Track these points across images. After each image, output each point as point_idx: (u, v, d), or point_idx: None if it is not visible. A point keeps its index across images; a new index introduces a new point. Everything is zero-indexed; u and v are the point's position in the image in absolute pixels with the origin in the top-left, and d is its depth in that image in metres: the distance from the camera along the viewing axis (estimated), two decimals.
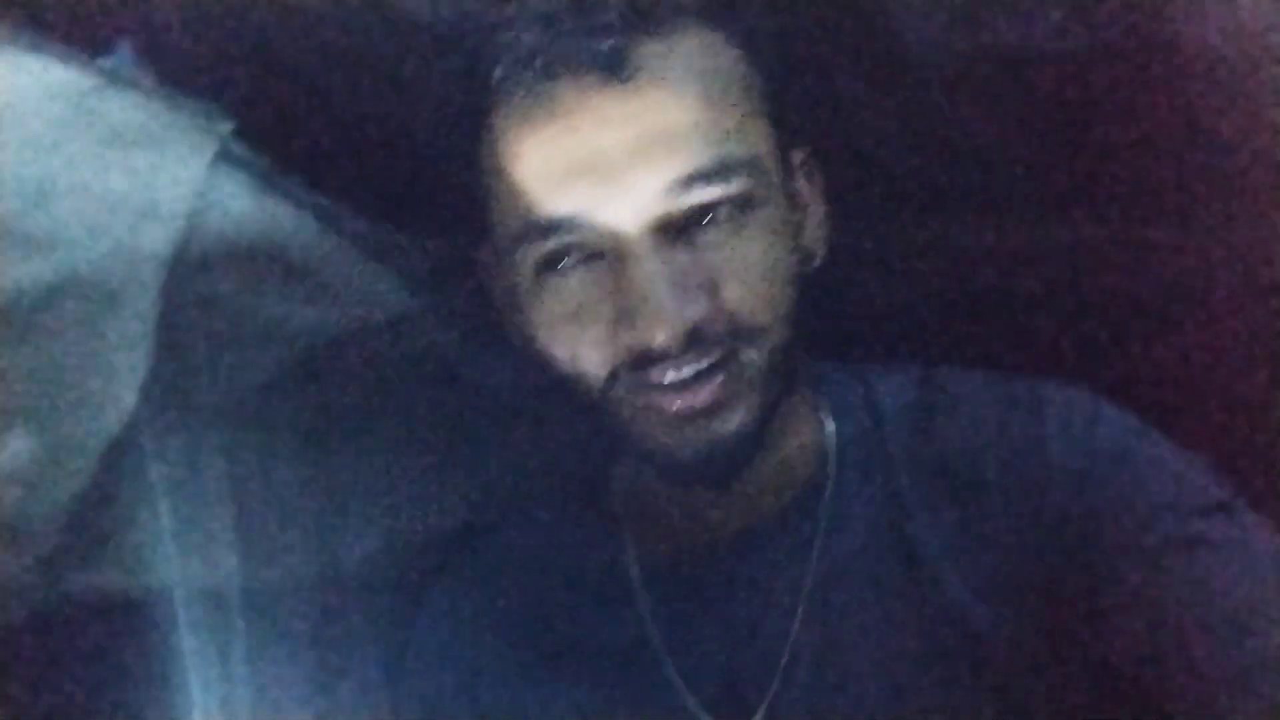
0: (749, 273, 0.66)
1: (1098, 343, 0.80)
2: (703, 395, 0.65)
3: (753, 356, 0.66)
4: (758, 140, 0.68)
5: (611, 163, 0.64)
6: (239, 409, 0.75)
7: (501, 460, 0.80)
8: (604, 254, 0.66)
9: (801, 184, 0.73)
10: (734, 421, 0.66)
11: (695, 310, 0.64)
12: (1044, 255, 0.82)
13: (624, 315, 0.65)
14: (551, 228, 0.66)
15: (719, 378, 0.65)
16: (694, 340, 0.64)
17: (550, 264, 0.67)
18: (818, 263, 0.73)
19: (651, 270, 0.64)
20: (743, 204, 0.66)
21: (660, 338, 0.63)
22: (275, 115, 0.81)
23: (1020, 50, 0.78)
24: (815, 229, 0.74)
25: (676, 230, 0.65)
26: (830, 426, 0.74)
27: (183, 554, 0.71)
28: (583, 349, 0.67)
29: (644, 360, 0.65)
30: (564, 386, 0.69)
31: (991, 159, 0.81)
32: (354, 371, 0.78)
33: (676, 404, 0.65)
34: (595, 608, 0.74)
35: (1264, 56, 0.73)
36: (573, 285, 0.67)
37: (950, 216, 0.83)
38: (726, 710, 0.69)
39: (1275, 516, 0.65)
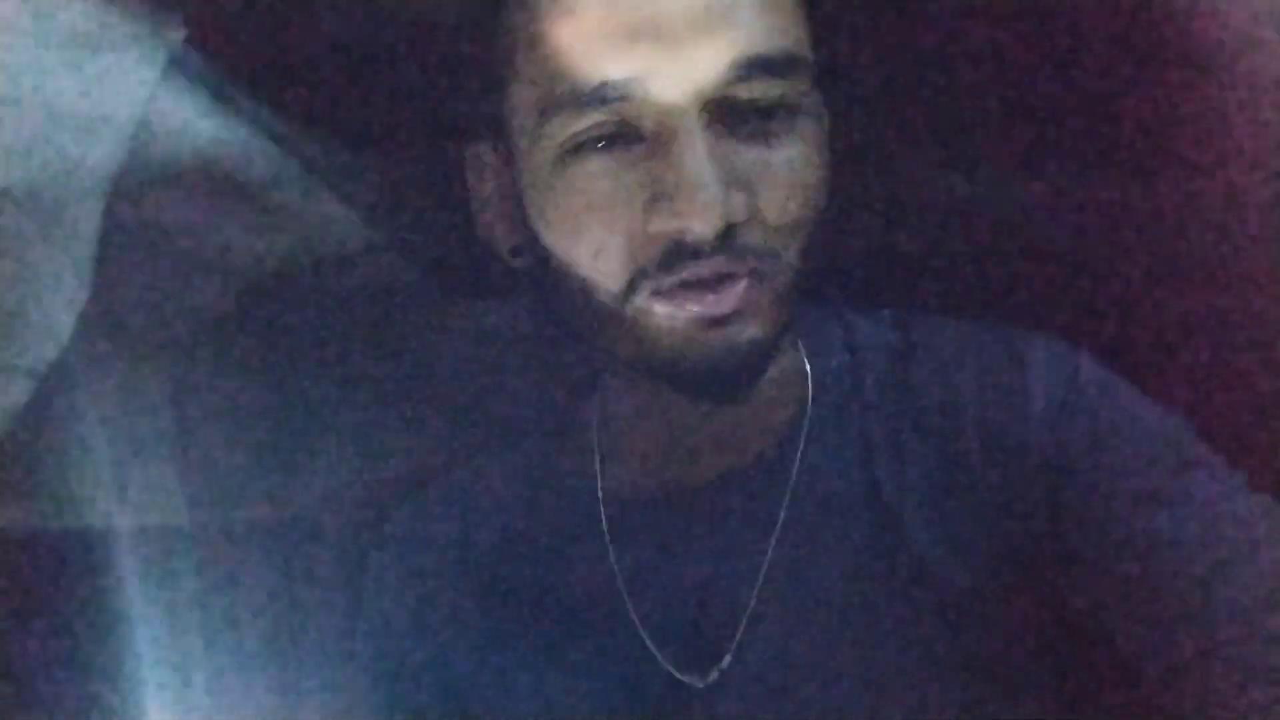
0: (790, 182, 0.62)
1: (1084, 298, 0.79)
2: (727, 301, 0.61)
3: (777, 270, 0.62)
4: (809, 54, 0.64)
5: (673, 30, 0.59)
6: (183, 341, 0.71)
7: (467, 398, 0.77)
8: (644, 135, 0.61)
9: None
10: (751, 331, 0.62)
11: (736, 206, 0.60)
12: (1039, 209, 0.81)
13: (662, 199, 0.60)
14: (598, 96, 0.60)
15: (742, 284, 0.61)
16: (728, 239, 0.60)
17: (579, 146, 0.61)
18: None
19: (701, 153, 0.59)
20: (795, 109, 0.62)
21: (699, 225, 0.59)
22: (227, 23, 0.76)
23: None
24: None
25: (731, 118, 0.61)
26: (808, 368, 0.72)
27: (121, 491, 0.68)
28: (608, 243, 0.62)
29: (676, 253, 0.61)
30: (540, 313, 0.64)
31: (992, 109, 0.80)
32: (305, 304, 0.75)
33: (699, 308, 0.61)
34: (561, 549, 0.71)
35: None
36: (603, 169, 0.61)
37: (945, 168, 0.81)
38: (690, 657, 0.67)
39: (1253, 473, 0.64)
